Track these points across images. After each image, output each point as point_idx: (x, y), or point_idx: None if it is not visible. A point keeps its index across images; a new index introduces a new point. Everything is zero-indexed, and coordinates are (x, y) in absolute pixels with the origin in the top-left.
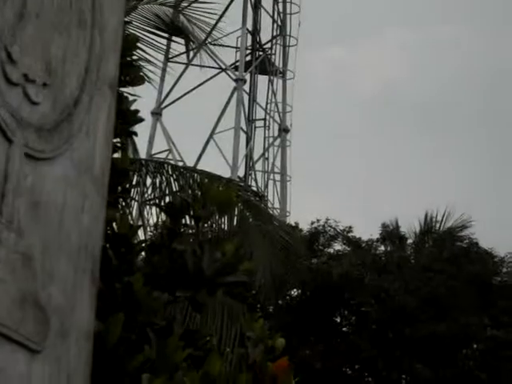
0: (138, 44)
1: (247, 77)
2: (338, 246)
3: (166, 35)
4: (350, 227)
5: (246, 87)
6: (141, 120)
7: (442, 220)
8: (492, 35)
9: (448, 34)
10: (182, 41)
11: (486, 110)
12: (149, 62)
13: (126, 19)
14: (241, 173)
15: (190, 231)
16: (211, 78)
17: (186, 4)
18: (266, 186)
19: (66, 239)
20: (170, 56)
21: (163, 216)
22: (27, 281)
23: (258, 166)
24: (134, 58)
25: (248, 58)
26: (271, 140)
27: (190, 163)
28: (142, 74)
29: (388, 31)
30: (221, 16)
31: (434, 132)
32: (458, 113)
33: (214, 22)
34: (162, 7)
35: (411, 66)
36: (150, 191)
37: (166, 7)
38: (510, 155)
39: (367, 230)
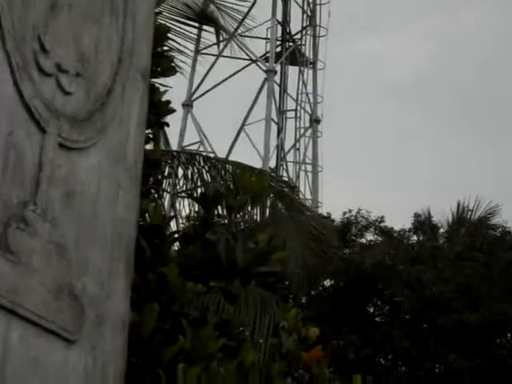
0: (169, 34)
1: (278, 68)
2: (370, 236)
3: (196, 24)
4: (382, 217)
5: (277, 78)
6: (172, 111)
7: (473, 209)
8: None
9: (472, 20)
10: (213, 32)
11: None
12: (180, 52)
13: (156, 10)
14: (272, 164)
15: (223, 222)
16: (242, 69)
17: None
18: (298, 177)
19: (100, 229)
20: (200, 48)
21: (195, 207)
22: (62, 271)
23: (290, 157)
24: (165, 48)
25: (278, 49)
26: (302, 131)
27: (222, 155)
28: (173, 64)
29: (419, 19)
30: (251, 7)
31: (468, 121)
32: (491, 100)
33: (244, 9)
34: None
35: (443, 54)
36: (181, 183)
37: None
38: None
39: (399, 220)
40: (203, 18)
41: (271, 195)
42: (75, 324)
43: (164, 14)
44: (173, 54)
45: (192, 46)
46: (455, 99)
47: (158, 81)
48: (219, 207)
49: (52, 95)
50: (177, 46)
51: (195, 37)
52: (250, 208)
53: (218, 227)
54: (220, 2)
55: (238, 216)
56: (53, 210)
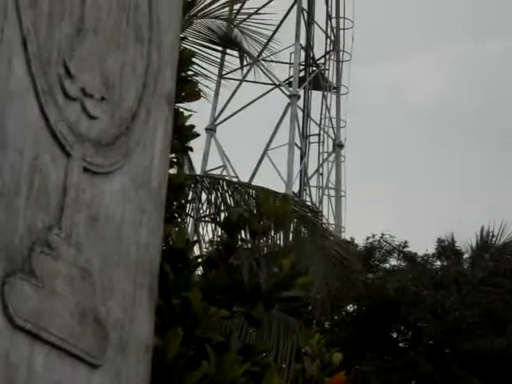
0: (193, 59)
1: (301, 92)
2: (393, 261)
3: (220, 48)
4: (406, 242)
5: (300, 103)
6: (196, 135)
7: (497, 234)
8: None
9: (498, 46)
10: (236, 56)
11: None
12: (204, 76)
13: (181, 35)
14: (295, 189)
15: (247, 246)
16: (265, 93)
17: (240, 17)
18: (321, 202)
19: (125, 254)
20: (223, 72)
21: (219, 232)
22: (86, 295)
23: (313, 182)
24: (190, 73)
25: (302, 73)
26: (325, 155)
27: (245, 179)
28: (197, 89)
29: (441, 45)
30: (274, 31)
31: (491, 145)
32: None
33: (268, 33)
34: (215, 21)
35: (465, 79)
36: (205, 207)
37: (219, 20)
38: None
39: (423, 246)
40: (227, 42)
41: (295, 220)
42: (99, 348)
43: (189, 38)
44: (197, 78)
45: (216, 70)
46: (478, 124)
47: (181, 105)
48: (242, 232)
49: (77, 119)
50: (201, 70)
51: (219, 61)
52: (273, 233)
53: (241, 252)
54: (244, 26)
55: (262, 241)
56: (77, 234)
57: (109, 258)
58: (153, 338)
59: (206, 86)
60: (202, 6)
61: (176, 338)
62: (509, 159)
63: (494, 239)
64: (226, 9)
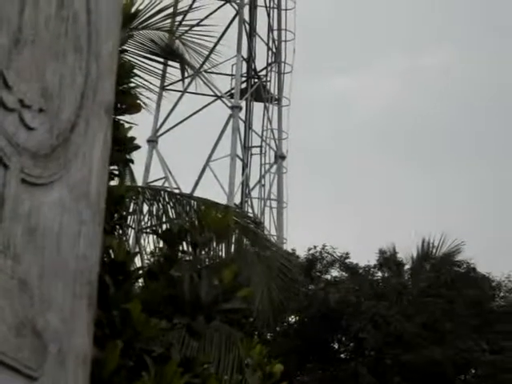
0: (135, 70)
1: (243, 104)
2: (335, 273)
3: (161, 60)
4: (347, 253)
5: (242, 114)
6: (137, 147)
7: (437, 246)
8: (488, 62)
9: (448, 59)
10: (178, 67)
11: (479, 138)
12: (145, 88)
13: (121, 48)
14: (237, 200)
15: (188, 258)
16: (207, 105)
17: (182, 28)
18: (263, 213)
19: (63, 265)
20: (165, 84)
21: (160, 243)
22: (24, 307)
23: (255, 193)
24: (131, 85)
25: (243, 85)
26: (267, 167)
27: (187, 191)
28: (138, 101)
29: (384, 58)
30: (216, 43)
31: (430, 158)
32: (453, 140)
33: (210, 45)
34: (157, 32)
35: (408, 93)
36: (146, 219)
37: (161, 32)
38: (504, 180)
39: (364, 257)
40: (169, 53)
41: (236, 231)
42: (37, 360)
43: (130, 49)
44: (138, 90)
45: (157, 82)
46: (416, 135)
47: (123, 117)
48: (184, 243)
49: (15, 130)
50: (142, 82)
51: (161, 72)
52: (214, 244)
53: (182, 264)
54: (185, 38)
55: (203, 252)
56: (15, 246)
57: (47, 270)
58: (91, 349)
59: (148, 98)
60: (144, 17)
61: (115, 350)
62: (448, 171)
63: (434, 250)
64: (168, 20)
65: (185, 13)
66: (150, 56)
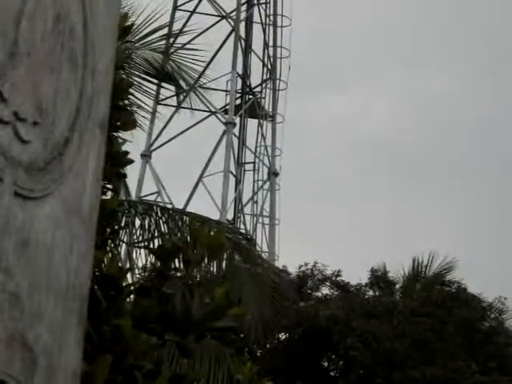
0: (129, 89)
1: (237, 120)
2: (326, 290)
3: (155, 81)
4: (339, 271)
5: (236, 131)
6: (130, 162)
7: (427, 264)
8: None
9: (442, 82)
10: (172, 85)
11: (466, 160)
12: (139, 107)
13: (119, 65)
14: (230, 216)
15: (180, 274)
16: (201, 121)
17: (175, 50)
18: (255, 230)
19: (55, 279)
20: (159, 98)
21: (152, 258)
22: (15, 320)
23: (247, 210)
24: (126, 102)
25: (238, 101)
26: (260, 183)
27: (179, 206)
28: (133, 118)
29: (381, 79)
30: (211, 59)
31: (424, 179)
32: (443, 161)
33: (206, 59)
34: (152, 53)
35: (404, 114)
36: (138, 233)
37: (156, 53)
38: (493, 200)
39: (356, 275)
40: (163, 73)
41: (229, 247)
42: (26, 374)
43: (126, 68)
44: (132, 107)
45: (151, 101)
46: (413, 156)
47: (117, 134)
48: (176, 260)
49: (9, 144)
50: (136, 101)
51: (154, 92)
52: (207, 261)
53: (174, 280)
54: (180, 58)
55: (195, 269)
56: (7, 259)
57: (38, 284)
58: (81, 364)
59: (143, 117)
60: (138, 36)
61: (105, 365)
62: (440, 191)
63: (425, 270)
64: (163, 42)
65: (180, 34)
66: (145, 76)
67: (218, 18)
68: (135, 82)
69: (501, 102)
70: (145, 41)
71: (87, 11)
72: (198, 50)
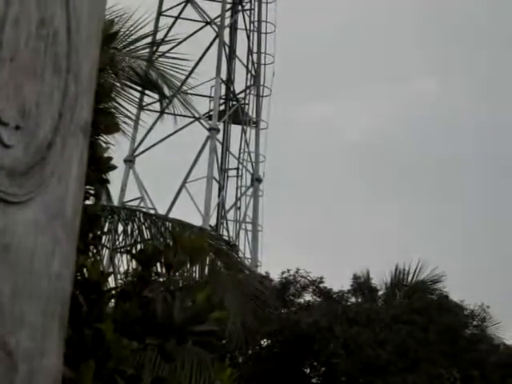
0: (113, 94)
1: (221, 126)
2: (308, 297)
3: (139, 88)
4: (321, 278)
5: (220, 137)
6: (114, 167)
7: (414, 273)
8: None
9: (426, 87)
10: (156, 92)
11: (453, 164)
12: (122, 114)
13: (102, 69)
14: (213, 222)
15: (161, 279)
16: (185, 126)
17: (158, 56)
18: (238, 236)
19: (36, 284)
20: (143, 104)
21: (134, 264)
22: None
23: (230, 216)
24: (109, 106)
25: (222, 107)
26: (244, 190)
27: (163, 211)
28: (116, 122)
29: (365, 86)
30: (195, 65)
31: (410, 184)
32: (430, 165)
33: (190, 64)
34: (136, 60)
35: (389, 120)
36: (121, 238)
37: (140, 60)
38: (477, 210)
39: (339, 282)
40: (146, 81)
41: (211, 253)
42: (6, 380)
43: (110, 74)
44: (116, 113)
45: (135, 106)
46: (394, 162)
47: (100, 138)
48: (158, 265)
49: None
50: (120, 107)
51: (137, 99)
52: (188, 266)
53: (155, 285)
54: (162, 68)
55: (177, 274)
56: None
57: (20, 289)
58: (62, 369)
59: (125, 123)
60: (122, 44)
61: (89, 371)
62: (425, 199)
63: (412, 277)
64: (147, 50)
65: (164, 41)
66: (129, 83)
67: (203, 24)
68: (119, 88)
69: (489, 105)
70: (129, 48)
71: (71, 16)
72: (181, 59)
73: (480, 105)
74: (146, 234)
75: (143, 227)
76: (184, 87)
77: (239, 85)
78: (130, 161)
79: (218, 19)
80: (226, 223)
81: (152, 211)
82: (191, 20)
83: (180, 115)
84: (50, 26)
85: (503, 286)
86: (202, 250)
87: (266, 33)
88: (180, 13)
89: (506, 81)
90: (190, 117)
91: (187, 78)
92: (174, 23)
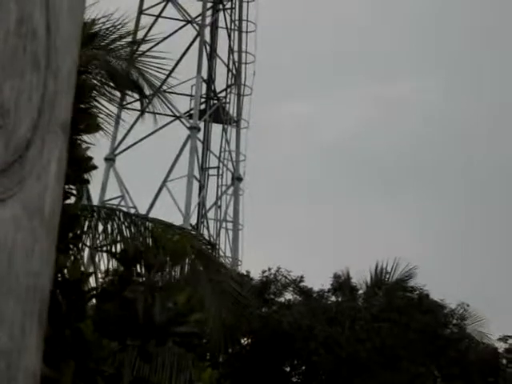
0: (93, 93)
1: (201, 125)
2: (289, 296)
3: (120, 88)
4: (302, 277)
5: (200, 135)
6: (94, 168)
7: (391, 271)
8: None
9: (407, 86)
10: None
11: (440, 165)
12: (102, 112)
13: (83, 68)
14: (193, 221)
15: (142, 280)
16: (165, 125)
17: (139, 55)
18: (218, 235)
19: (15, 282)
20: (124, 103)
21: (114, 263)
22: None
23: (211, 215)
24: (90, 106)
25: (202, 106)
26: (224, 188)
27: (143, 210)
28: (96, 121)
29: (347, 85)
30: (176, 64)
31: (387, 185)
32: (408, 167)
33: (171, 63)
34: (117, 59)
35: (368, 120)
36: (101, 238)
37: (121, 59)
38: (458, 209)
39: (319, 280)
40: (127, 80)
41: (191, 253)
42: None
43: (89, 73)
44: (96, 111)
45: (115, 105)
46: (378, 161)
47: (80, 137)
48: (138, 265)
49: None
50: (100, 106)
51: (118, 98)
52: (169, 267)
53: (136, 285)
54: (142, 68)
55: (158, 274)
56: None
57: None
58: (42, 367)
59: (105, 121)
60: (103, 43)
61: (69, 371)
62: (405, 198)
63: (388, 276)
64: (128, 49)
65: (145, 40)
66: (109, 83)
67: (184, 23)
68: (98, 87)
69: (471, 108)
70: (110, 47)
71: (50, 14)
72: (162, 58)
73: (457, 106)
74: (126, 234)
75: (123, 227)
76: (165, 86)
77: (220, 84)
78: (110, 159)
79: (199, 18)
80: (207, 222)
81: (133, 210)
82: (172, 19)
83: (161, 114)
84: (29, 24)
85: (490, 283)
86: (183, 252)
87: (246, 32)
88: (161, 12)
89: (486, 81)
90: (170, 115)
91: (168, 77)
92: (154, 22)
